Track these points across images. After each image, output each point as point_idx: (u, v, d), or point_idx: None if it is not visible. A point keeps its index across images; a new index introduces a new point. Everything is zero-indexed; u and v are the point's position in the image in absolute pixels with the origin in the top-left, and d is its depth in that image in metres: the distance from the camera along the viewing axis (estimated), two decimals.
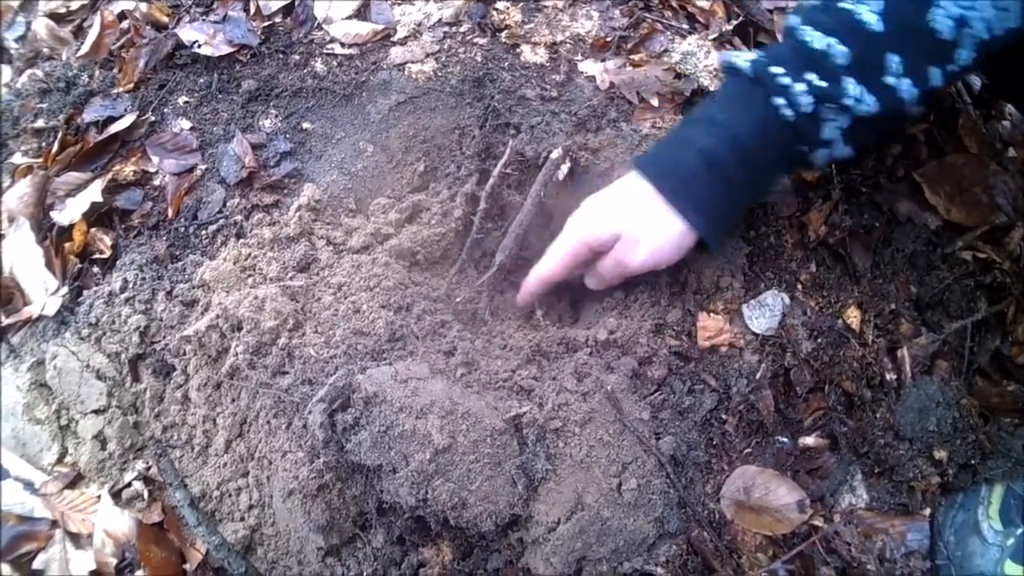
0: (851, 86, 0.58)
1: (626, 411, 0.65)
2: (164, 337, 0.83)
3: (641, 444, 0.64)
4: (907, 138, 0.85)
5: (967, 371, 0.81)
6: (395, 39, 0.90)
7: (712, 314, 0.71)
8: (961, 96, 0.90)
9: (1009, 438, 0.81)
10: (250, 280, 0.82)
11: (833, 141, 0.63)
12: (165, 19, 1.05)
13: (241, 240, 0.84)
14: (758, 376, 0.71)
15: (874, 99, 0.58)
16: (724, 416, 0.71)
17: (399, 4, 0.93)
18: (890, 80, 0.57)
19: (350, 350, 0.69)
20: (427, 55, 0.87)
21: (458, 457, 0.61)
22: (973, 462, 0.79)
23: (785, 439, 0.73)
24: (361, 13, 0.94)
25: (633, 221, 0.67)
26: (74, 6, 1.17)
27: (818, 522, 0.72)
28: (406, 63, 0.87)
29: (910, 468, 0.77)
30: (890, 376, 0.77)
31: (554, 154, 0.77)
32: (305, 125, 0.89)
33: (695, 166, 0.63)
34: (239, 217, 0.85)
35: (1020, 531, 0.76)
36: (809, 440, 0.74)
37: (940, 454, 0.78)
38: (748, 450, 0.72)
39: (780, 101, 0.60)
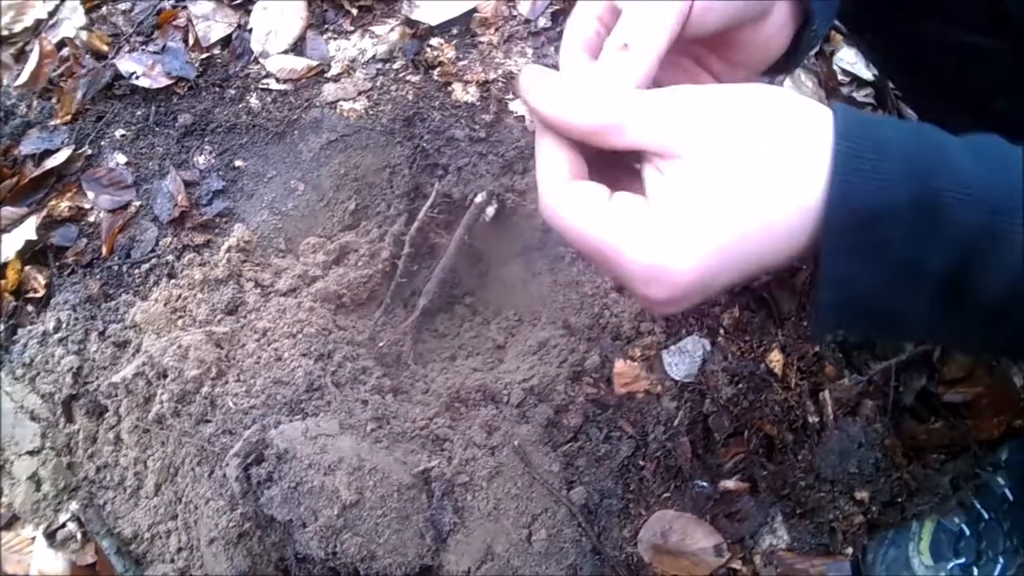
0: None
1: (536, 463, 0.66)
2: (97, 378, 0.84)
3: (551, 495, 0.65)
4: None
5: (893, 410, 0.82)
6: (329, 75, 0.90)
7: (630, 360, 0.72)
8: None
9: (936, 475, 0.82)
10: (180, 322, 0.82)
11: None
12: (105, 48, 1.05)
13: (172, 280, 0.85)
14: (676, 423, 0.72)
15: None
16: (642, 462, 0.72)
17: (335, 39, 0.92)
18: None
19: (269, 400, 0.70)
20: (359, 92, 0.86)
21: (366, 512, 0.62)
22: (900, 500, 0.80)
23: (704, 483, 0.74)
24: (298, 47, 0.93)
25: None
26: (17, 28, 1.16)
27: (736, 565, 0.74)
28: (338, 100, 0.87)
29: (831, 509, 0.78)
30: (812, 419, 0.78)
31: (479, 197, 0.77)
32: (238, 163, 0.89)
33: None
34: (171, 257, 0.86)
35: (951, 565, 0.78)
36: (729, 484, 0.75)
37: (862, 494, 0.79)
38: (667, 495, 0.73)
39: None
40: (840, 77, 0.93)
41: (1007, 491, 0.81)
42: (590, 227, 0.32)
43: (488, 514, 0.63)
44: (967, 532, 0.80)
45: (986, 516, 0.80)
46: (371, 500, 0.61)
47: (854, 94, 0.92)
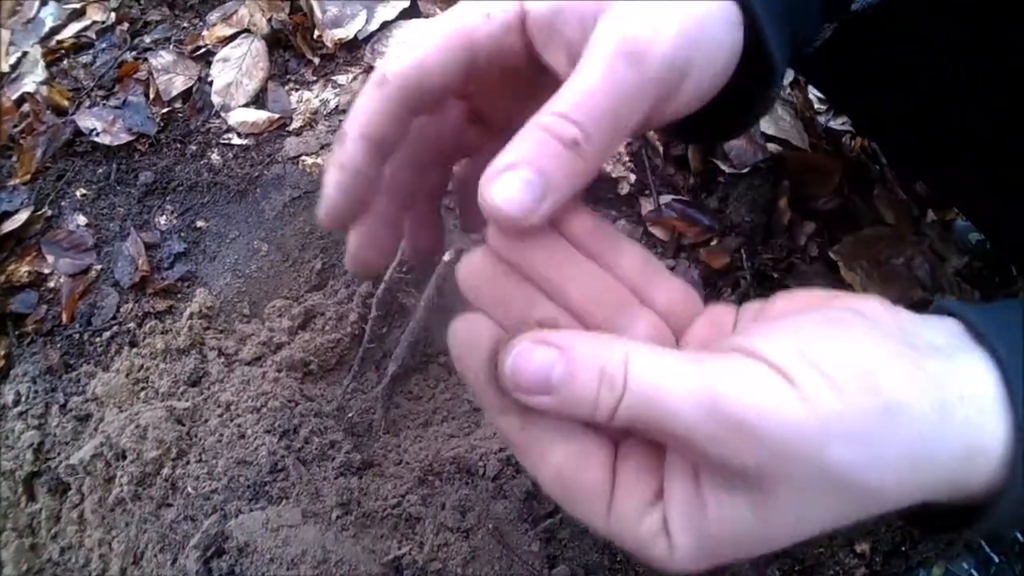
0: None
1: (515, 543, 0.62)
2: (59, 454, 0.80)
3: None
4: (821, 214, 0.82)
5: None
6: (291, 128, 0.87)
7: None
8: (878, 159, 0.87)
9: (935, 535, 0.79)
10: (142, 394, 0.79)
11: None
12: (66, 103, 1.02)
13: (134, 349, 0.81)
14: None
15: None
16: None
17: (297, 89, 0.90)
18: None
19: (232, 483, 0.66)
20: (322, 146, 0.83)
21: None
22: (903, 548, 0.77)
23: None
24: (259, 99, 0.90)
25: None
26: None
27: None
28: (300, 155, 0.84)
29: (831, 565, 0.75)
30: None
31: (447, 255, 0.74)
32: (200, 223, 0.85)
33: None
34: (132, 324, 0.82)
35: None
36: None
37: (862, 547, 0.76)
38: None
39: None
40: (817, 106, 0.90)
41: (1017, 533, 0.78)
42: None
43: None
44: None
45: (996, 559, 0.77)
46: None
47: (831, 123, 0.89)
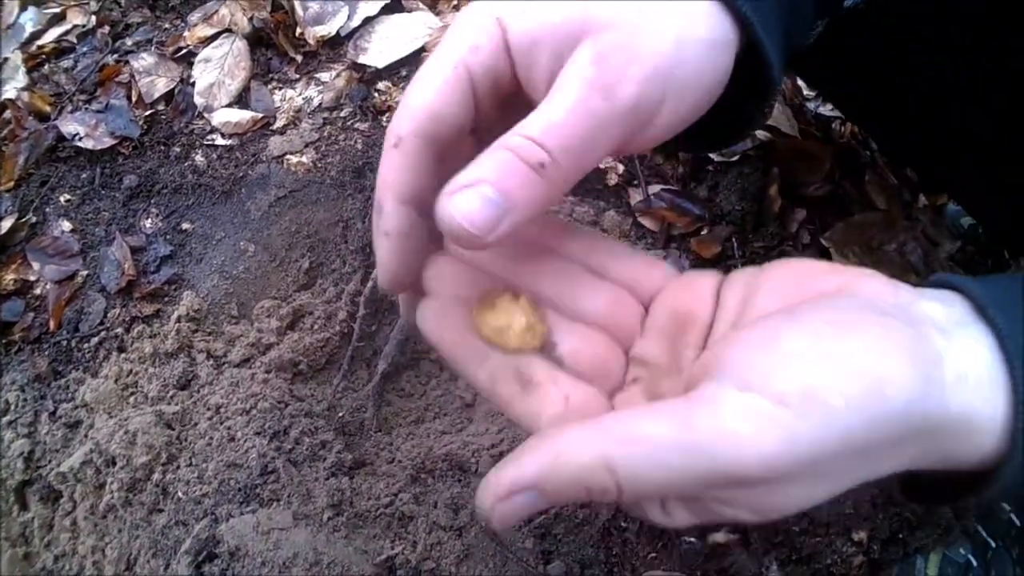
0: None
1: (509, 540, 0.61)
2: (50, 462, 0.80)
3: (528, 573, 0.61)
4: (812, 201, 0.81)
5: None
6: (275, 127, 0.86)
7: None
8: (868, 145, 0.86)
9: (937, 507, 0.78)
10: (132, 399, 0.78)
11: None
12: (48, 108, 1.01)
13: (123, 354, 0.81)
14: None
15: None
16: (624, 523, 0.68)
17: (280, 88, 0.89)
18: None
19: (222, 487, 0.66)
20: (306, 144, 0.82)
21: None
22: (901, 535, 0.77)
23: (692, 539, 0.70)
24: (242, 99, 0.89)
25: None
26: None
27: None
28: (284, 154, 0.83)
29: (828, 553, 0.74)
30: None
31: None
32: (185, 225, 0.85)
33: None
34: (120, 329, 0.82)
35: None
36: (718, 537, 0.71)
37: (860, 534, 0.75)
38: (653, 555, 0.69)
39: None
40: (806, 92, 0.89)
41: (1013, 516, 0.77)
42: None
43: None
44: (974, 563, 0.77)
45: (993, 544, 0.77)
46: None
47: (820, 109, 0.88)
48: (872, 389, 0.22)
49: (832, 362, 0.22)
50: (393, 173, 0.27)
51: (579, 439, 0.23)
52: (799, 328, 0.23)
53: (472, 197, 0.23)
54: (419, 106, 0.26)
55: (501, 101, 0.29)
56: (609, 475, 0.22)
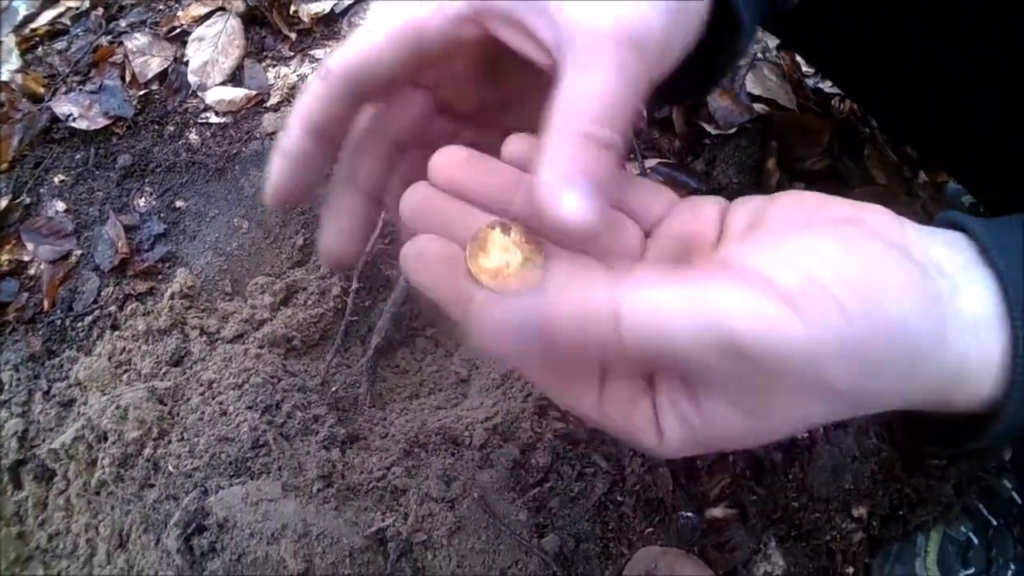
0: None
1: (502, 512, 0.61)
2: (43, 441, 0.79)
3: (521, 546, 0.60)
4: (810, 175, 0.80)
5: (891, 421, 0.77)
6: (268, 104, 0.85)
7: None
8: (868, 121, 0.85)
9: (938, 482, 0.77)
10: (125, 377, 0.78)
11: None
12: (41, 90, 1.00)
13: (116, 332, 0.80)
14: None
15: None
16: (620, 498, 0.67)
17: (274, 65, 0.88)
18: None
19: (213, 460, 0.65)
20: None
21: None
22: (901, 512, 0.76)
23: (690, 514, 0.69)
24: (236, 77, 0.89)
25: None
26: None
27: None
28: (278, 131, 0.82)
29: (828, 529, 0.73)
30: (801, 435, 0.73)
31: None
32: (179, 203, 0.84)
33: None
34: (113, 307, 0.81)
35: None
36: (716, 512, 0.70)
37: (860, 510, 0.74)
38: (650, 530, 0.68)
39: None
40: (805, 68, 0.88)
41: (1014, 494, 0.76)
42: None
43: (451, 573, 0.58)
44: (975, 541, 0.76)
45: (994, 522, 0.76)
46: (321, 568, 0.56)
47: (820, 84, 0.87)
48: (872, 299, 0.22)
49: (835, 272, 0.22)
50: (310, 101, 0.29)
51: (591, 283, 0.22)
52: (806, 240, 0.24)
53: (573, 198, 0.24)
54: (355, 50, 0.28)
55: (468, 67, 0.29)
56: (613, 323, 0.21)
